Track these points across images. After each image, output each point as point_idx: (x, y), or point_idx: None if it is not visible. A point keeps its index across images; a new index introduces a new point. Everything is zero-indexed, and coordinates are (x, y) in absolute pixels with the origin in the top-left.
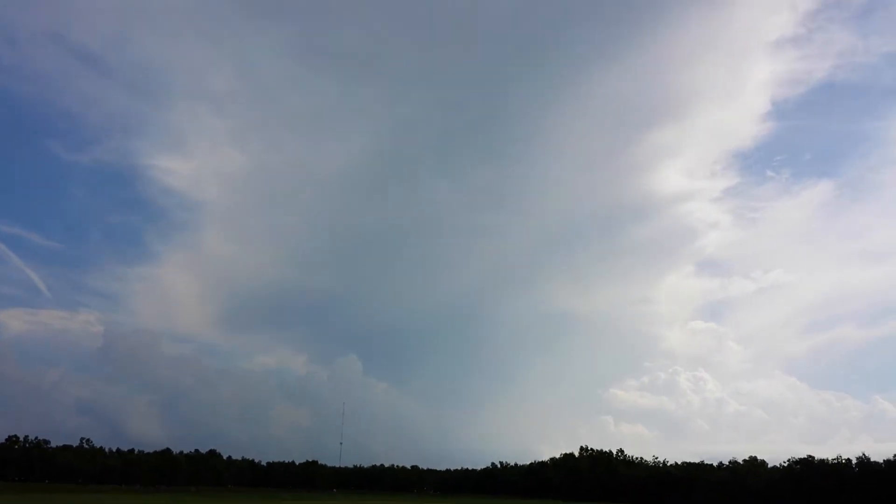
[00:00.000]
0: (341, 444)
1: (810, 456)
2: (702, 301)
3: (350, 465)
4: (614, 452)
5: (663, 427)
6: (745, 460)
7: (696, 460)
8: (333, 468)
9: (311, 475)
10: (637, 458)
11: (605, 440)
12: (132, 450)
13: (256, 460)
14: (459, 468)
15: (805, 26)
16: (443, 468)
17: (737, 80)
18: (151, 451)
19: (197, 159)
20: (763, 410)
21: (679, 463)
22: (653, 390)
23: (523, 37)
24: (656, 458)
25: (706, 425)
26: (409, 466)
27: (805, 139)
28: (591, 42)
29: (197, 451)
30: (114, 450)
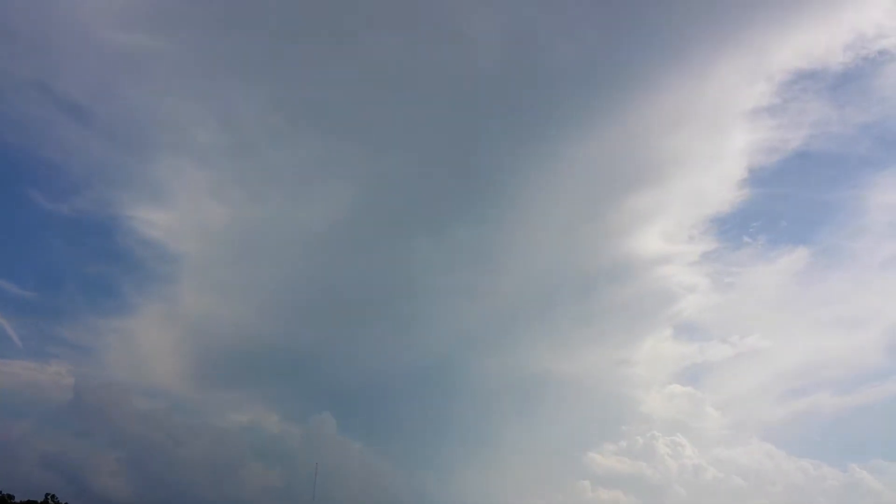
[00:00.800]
0: None
1: None
2: (680, 365)
3: None
4: None
5: (641, 493)
6: None
7: None
8: None
9: None
10: None
11: None
12: None
13: None
14: None
15: (780, 96)
16: None
17: (714, 147)
18: None
19: (177, 211)
20: (741, 478)
21: None
22: (631, 455)
23: (505, 100)
24: None
25: (684, 491)
26: None
27: (781, 206)
28: (571, 108)
29: None
30: None
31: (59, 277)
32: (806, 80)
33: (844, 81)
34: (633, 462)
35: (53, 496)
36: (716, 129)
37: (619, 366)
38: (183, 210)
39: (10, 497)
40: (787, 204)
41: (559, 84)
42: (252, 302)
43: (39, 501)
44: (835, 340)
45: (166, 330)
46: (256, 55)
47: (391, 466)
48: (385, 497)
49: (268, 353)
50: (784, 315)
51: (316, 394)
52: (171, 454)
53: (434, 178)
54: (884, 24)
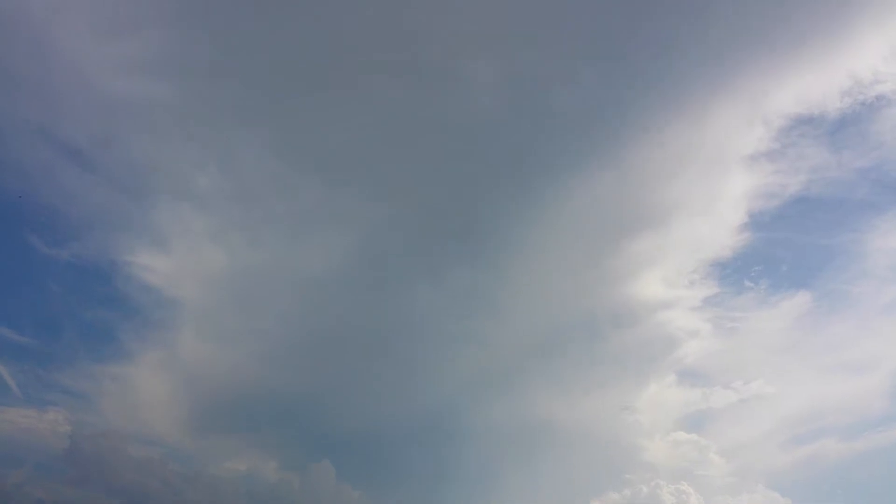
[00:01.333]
0: None
1: None
2: (684, 411)
3: None
4: None
5: None
6: None
7: None
8: None
9: None
10: None
11: None
12: None
13: None
14: None
15: (778, 142)
16: None
17: (713, 192)
18: None
19: (177, 257)
20: None
21: None
22: None
23: (506, 145)
24: None
25: None
26: None
27: (782, 251)
28: (571, 153)
29: None
30: None
31: (58, 323)
32: (804, 126)
33: (842, 126)
34: None
35: None
36: (715, 174)
37: (621, 412)
38: (182, 255)
39: None
40: (788, 248)
41: (560, 130)
42: (251, 348)
43: None
44: (839, 386)
45: (164, 376)
46: (257, 102)
47: None
48: None
49: (266, 399)
50: (787, 360)
51: (315, 441)
52: (167, 503)
53: (435, 223)
54: (880, 70)
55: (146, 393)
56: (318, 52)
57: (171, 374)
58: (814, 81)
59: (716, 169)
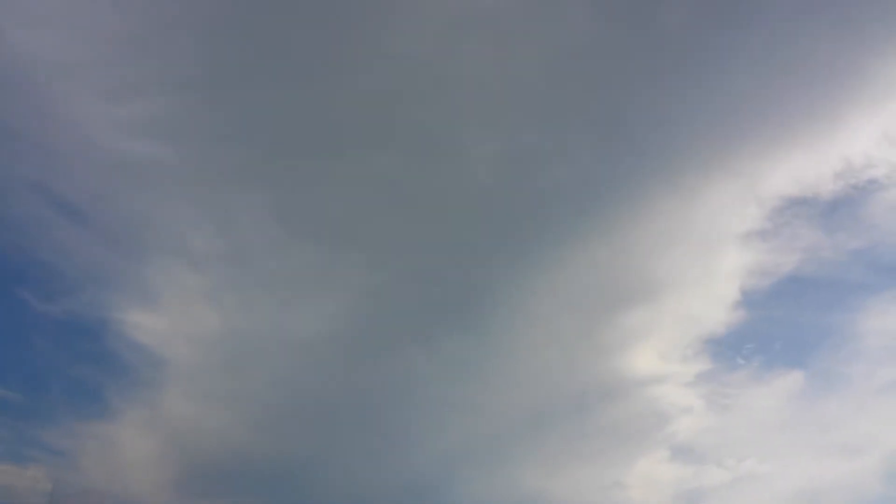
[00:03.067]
0: None
1: None
2: (675, 488)
3: None
4: None
5: None
6: None
7: None
8: None
9: None
10: None
11: None
12: None
13: None
14: None
15: (772, 221)
16: None
17: (706, 268)
18: None
19: (168, 316)
20: None
21: None
22: None
23: (500, 216)
24: None
25: None
26: None
27: (775, 329)
28: (566, 226)
29: None
30: None
31: (44, 379)
32: (797, 206)
33: (835, 208)
34: None
35: None
36: (708, 251)
37: (612, 488)
38: (174, 315)
39: None
40: (782, 327)
41: (554, 203)
42: (239, 410)
43: None
44: (833, 467)
45: (149, 437)
46: (257, 166)
47: None
48: None
49: (254, 463)
50: (781, 439)
51: None
52: None
53: (429, 291)
54: (872, 155)
55: (130, 453)
56: (319, 120)
57: (157, 435)
58: (807, 163)
59: (709, 246)
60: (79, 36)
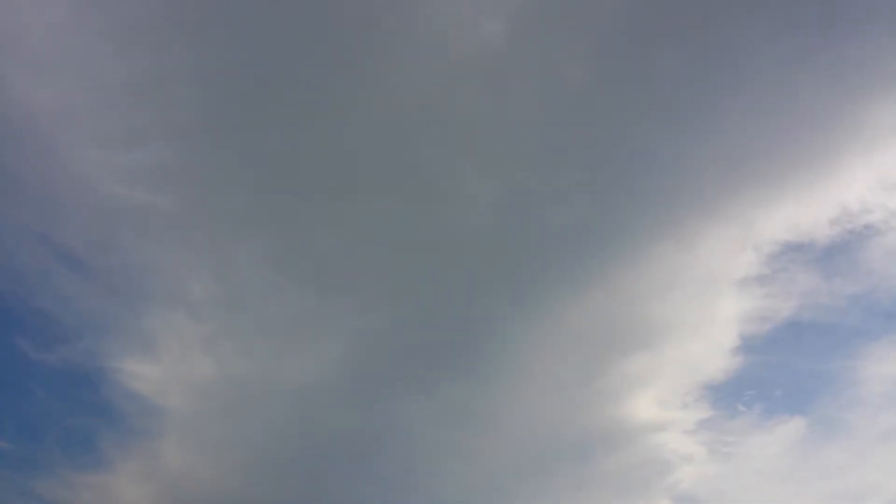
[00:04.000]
0: None
1: None
2: None
3: None
4: None
5: None
6: None
7: None
8: None
9: None
10: None
11: None
12: None
13: None
14: None
15: (769, 267)
16: None
17: (705, 314)
18: None
19: (165, 364)
20: None
21: None
22: None
23: (498, 261)
24: None
25: None
26: None
27: (775, 375)
28: (564, 271)
29: None
30: None
31: (39, 429)
32: (794, 252)
33: (832, 254)
34: None
35: None
36: (706, 297)
37: None
38: (170, 363)
39: None
40: (781, 373)
41: (552, 247)
42: (236, 458)
43: None
44: None
45: (144, 487)
46: (255, 212)
47: None
48: None
49: None
50: (783, 488)
51: None
52: None
53: (427, 336)
54: (868, 200)
55: (125, 503)
56: (317, 165)
57: (152, 484)
58: (803, 210)
59: (707, 292)
60: (79, 83)
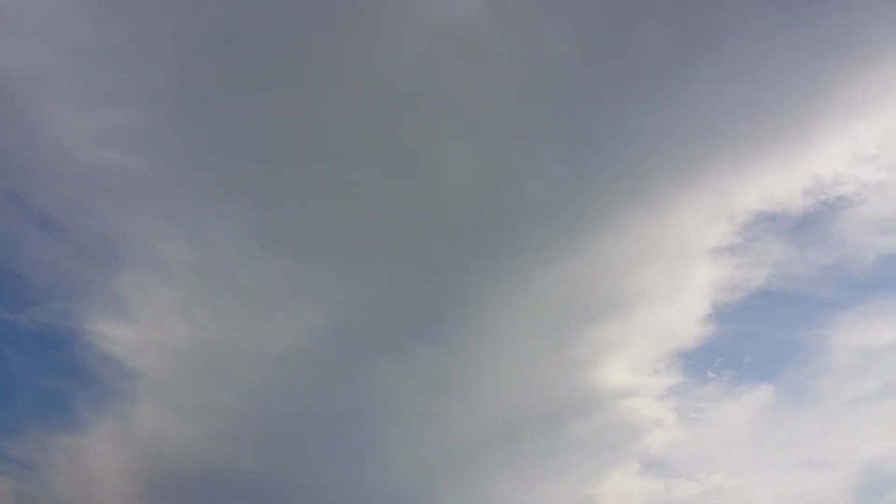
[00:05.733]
0: None
1: None
2: (646, 502)
3: None
4: None
5: None
6: None
7: None
8: None
9: None
10: None
11: None
12: None
13: None
14: None
15: (742, 236)
16: None
17: (678, 283)
18: None
19: (139, 327)
20: None
21: None
22: None
23: (474, 230)
24: None
25: None
26: None
27: (745, 343)
28: (539, 240)
29: None
30: None
31: (12, 390)
32: (767, 222)
33: (804, 224)
34: None
35: None
36: (679, 266)
37: (584, 501)
38: (145, 326)
39: None
40: (751, 341)
41: (528, 217)
42: (211, 424)
43: None
44: (803, 481)
45: (118, 450)
46: (231, 178)
47: None
48: None
49: (224, 477)
50: (750, 453)
51: None
52: None
53: (402, 304)
54: (841, 172)
55: (98, 466)
56: (294, 133)
57: (126, 448)
58: (776, 181)
59: (680, 261)
60: (52, 45)
